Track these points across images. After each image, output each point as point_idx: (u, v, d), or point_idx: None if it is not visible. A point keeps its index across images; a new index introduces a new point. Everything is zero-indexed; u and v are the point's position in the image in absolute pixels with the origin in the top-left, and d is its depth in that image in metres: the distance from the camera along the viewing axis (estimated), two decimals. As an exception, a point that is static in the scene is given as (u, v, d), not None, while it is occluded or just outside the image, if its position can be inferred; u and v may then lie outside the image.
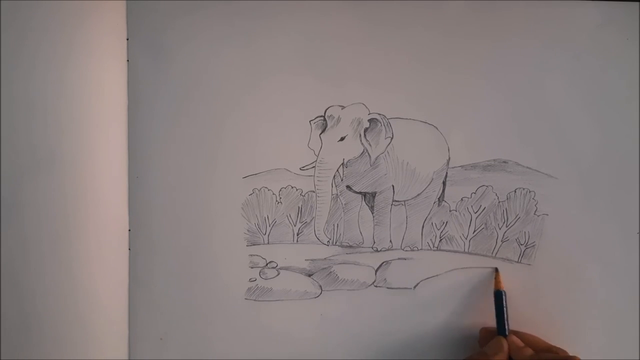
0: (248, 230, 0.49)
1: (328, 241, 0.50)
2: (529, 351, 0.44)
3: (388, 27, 0.48)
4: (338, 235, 0.50)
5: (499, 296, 0.47)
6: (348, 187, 0.50)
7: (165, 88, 0.48)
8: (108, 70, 0.46)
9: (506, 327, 0.46)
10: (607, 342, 0.50)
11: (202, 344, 0.49)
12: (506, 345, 0.44)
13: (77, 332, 0.46)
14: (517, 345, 0.44)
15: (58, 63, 0.45)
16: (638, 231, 0.49)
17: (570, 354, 0.42)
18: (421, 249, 0.50)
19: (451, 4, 0.48)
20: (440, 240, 0.50)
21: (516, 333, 0.46)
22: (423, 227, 0.50)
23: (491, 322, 0.48)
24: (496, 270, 0.49)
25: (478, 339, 0.48)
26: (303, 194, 0.49)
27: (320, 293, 0.49)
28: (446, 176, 0.49)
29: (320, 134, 0.49)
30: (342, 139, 0.49)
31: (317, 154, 0.49)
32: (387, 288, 0.50)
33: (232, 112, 0.48)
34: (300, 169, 0.49)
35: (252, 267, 0.49)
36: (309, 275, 0.49)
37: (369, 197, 0.50)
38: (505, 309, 0.47)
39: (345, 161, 0.49)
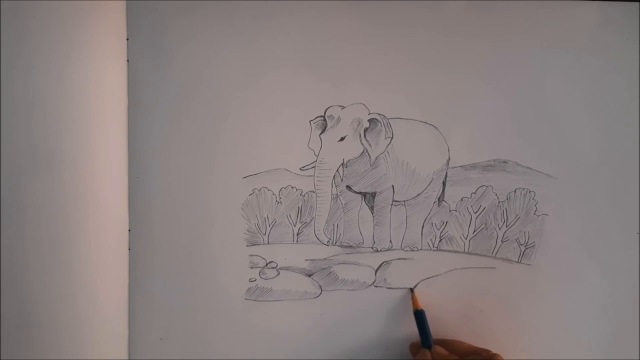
0: (248, 231, 0.49)
1: (328, 241, 0.50)
2: (453, 357, 0.45)
3: (388, 27, 0.48)
4: (338, 235, 0.50)
5: (419, 315, 0.47)
6: (348, 187, 0.50)
7: (165, 88, 0.48)
8: (108, 70, 0.46)
9: (430, 339, 0.47)
10: (607, 342, 0.50)
11: (202, 344, 0.49)
12: (429, 356, 0.45)
13: (77, 332, 0.46)
14: (441, 354, 0.45)
15: (58, 63, 0.45)
16: (638, 231, 0.49)
17: (494, 352, 0.44)
18: (421, 249, 0.50)
19: (451, 4, 0.48)
20: (440, 240, 0.50)
21: (442, 342, 0.47)
22: (423, 227, 0.50)
23: (491, 320, 0.48)
24: (411, 290, 0.49)
25: (411, 355, 0.49)
26: (303, 194, 0.49)
27: (320, 293, 0.49)
28: (446, 176, 0.49)
29: (320, 134, 0.49)
30: (342, 139, 0.49)
31: (317, 154, 0.49)
32: (387, 288, 0.50)
33: (232, 112, 0.48)
34: (300, 169, 0.49)
35: (252, 267, 0.49)
36: (309, 275, 0.49)
37: (369, 197, 0.50)
38: (426, 325, 0.47)
39: (345, 161, 0.49)
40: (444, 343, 0.47)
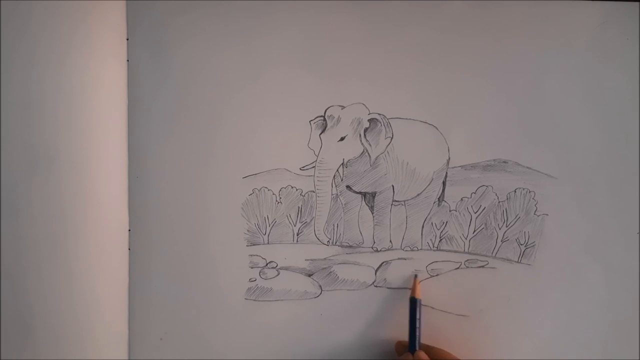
0: (248, 230, 0.49)
1: (328, 241, 0.50)
2: None
3: (388, 27, 0.48)
4: (338, 235, 0.50)
5: (413, 304, 0.45)
6: (348, 187, 0.50)
7: (165, 88, 0.48)
8: (108, 70, 0.46)
9: (417, 340, 0.45)
10: (607, 342, 0.50)
11: (202, 344, 0.49)
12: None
13: (76, 332, 0.46)
14: None
15: (58, 63, 0.45)
16: (638, 231, 0.49)
17: None
18: (421, 249, 0.50)
19: (451, 4, 0.48)
20: (440, 240, 0.50)
21: (427, 348, 0.45)
22: (423, 227, 0.50)
23: (491, 320, 0.48)
24: (415, 276, 0.48)
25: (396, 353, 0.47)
26: (303, 194, 0.49)
27: (320, 293, 0.49)
28: (446, 176, 0.49)
29: (320, 134, 0.49)
30: (342, 139, 0.49)
31: (317, 154, 0.49)
32: (387, 288, 0.50)
33: (232, 112, 0.48)
34: (300, 169, 0.49)
35: (252, 267, 0.49)
36: (309, 275, 0.49)
37: (369, 197, 0.50)
38: (418, 319, 0.45)
39: (345, 161, 0.49)
40: (427, 351, 0.45)
